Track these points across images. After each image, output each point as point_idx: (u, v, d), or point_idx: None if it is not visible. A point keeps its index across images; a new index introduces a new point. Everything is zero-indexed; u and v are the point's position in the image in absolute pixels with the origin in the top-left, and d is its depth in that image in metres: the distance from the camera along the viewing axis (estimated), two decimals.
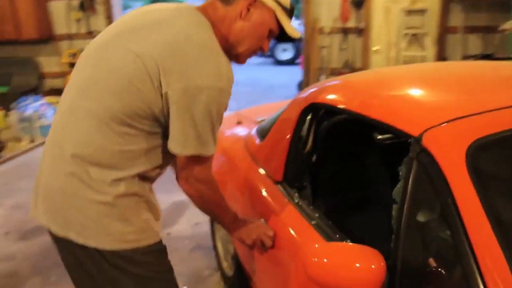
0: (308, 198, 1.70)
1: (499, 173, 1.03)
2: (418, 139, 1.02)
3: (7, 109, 6.15)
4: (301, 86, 6.58)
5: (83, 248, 1.16)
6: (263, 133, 1.93)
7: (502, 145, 1.01)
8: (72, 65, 5.25)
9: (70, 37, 6.29)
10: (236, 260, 2.09)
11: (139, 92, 1.08)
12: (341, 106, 1.40)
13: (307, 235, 1.37)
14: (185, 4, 1.24)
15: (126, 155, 1.14)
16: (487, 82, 1.39)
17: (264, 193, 1.69)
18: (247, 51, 1.25)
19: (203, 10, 1.20)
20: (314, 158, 1.68)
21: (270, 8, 1.20)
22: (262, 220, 1.55)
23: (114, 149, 1.12)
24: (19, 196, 3.70)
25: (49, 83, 6.59)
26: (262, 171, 1.79)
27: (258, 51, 1.28)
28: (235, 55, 1.25)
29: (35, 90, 6.32)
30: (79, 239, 1.15)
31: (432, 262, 1.12)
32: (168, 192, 3.71)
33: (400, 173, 1.11)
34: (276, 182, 1.69)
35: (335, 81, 1.71)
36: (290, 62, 13.30)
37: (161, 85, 1.08)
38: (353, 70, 5.65)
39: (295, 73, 8.42)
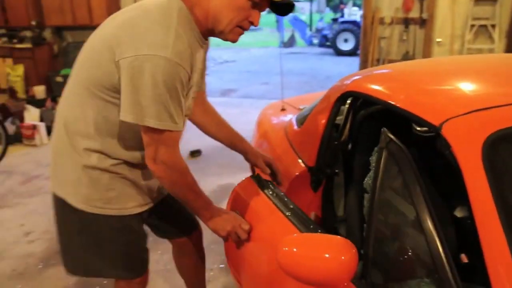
0: (340, 185, 1.73)
1: None
2: (438, 129, 1.03)
3: None
4: None
5: (60, 199, 1.37)
6: (301, 120, 1.97)
7: None
8: None
9: None
10: None
11: (100, 64, 1.21)
12: (372, 95, 1.41)
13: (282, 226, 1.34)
14: None
15: (99, 126, 1.27)
16: None
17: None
18: (229, 25, 1.23)
19: None
20: (349, 146, 1.70)
21: None
22: (237, 211, 1.50)
23: (88, 118, 1.27)
24: None
25: None
26: (297, 156, 1.84)
27: (247, 25, 1.25)
28: (220, 32, 1.26)
29: None
30: (61, 193, 1.37)
31: (464, 257, 1.12)
32: (217, 175, 3.88)
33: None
34: (309, 168, 1.73)
35: (371, 70, 1.71)
36: (352, 53, 13.03)
37: (115, 56, 1.17)
38: None
39: (355, 64, 8.27)
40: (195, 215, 1.50)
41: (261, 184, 1.55)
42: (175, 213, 1.67)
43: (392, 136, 1.09)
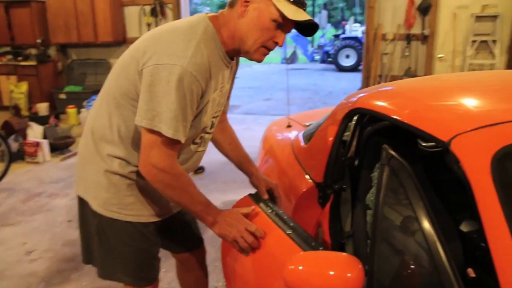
0: (348, 201, 1.73)
1: None
2: (447, 145, 1.03)
3: (80, 106, 6.64)
4: None
5: (86, 203, 1.45)
6: (308, 137, 1.98)
7: None
8: None
9: None
10: None
11: (127, 75, 1.27)
12: (379, 111, 1.42)
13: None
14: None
15: (123, 134, 1.33)
16: None
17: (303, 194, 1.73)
18: (254, 45, 1.27)
19: (212, 17, 1.31)
20: (356, 162, 1.71)
21: None
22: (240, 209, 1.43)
23: (113, 125, 1.33)
24: None
25: None
26: (304, 173, 1.85)
27: (272, 45, 1.28)
28: (245, 52, 1.30)
29: None
30: (84, 196, 1.44)
31: (470, 272, 1.12)
32: (221, 191, 3.87)
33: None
34: (317, 184, 1.73)
35: (377, 87, 1.73)
36: (353, 68, 13.12)
37: (139, 65, 1.23)
38: None
39: (356, 80, 8.34)
40: (200, 220, 1.44)
41: (259, 202, 1.53)
42: (182, 228, 1.69)
43: (393, 153, 1.10)
